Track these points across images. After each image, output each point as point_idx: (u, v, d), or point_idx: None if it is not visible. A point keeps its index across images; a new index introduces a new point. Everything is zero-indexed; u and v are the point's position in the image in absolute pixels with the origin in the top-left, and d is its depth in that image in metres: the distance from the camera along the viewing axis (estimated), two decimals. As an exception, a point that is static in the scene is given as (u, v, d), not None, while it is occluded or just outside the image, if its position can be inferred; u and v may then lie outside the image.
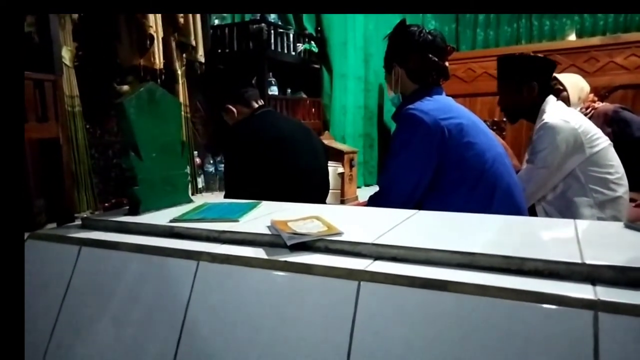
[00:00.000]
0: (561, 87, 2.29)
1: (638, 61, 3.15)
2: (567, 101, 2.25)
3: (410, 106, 1.38)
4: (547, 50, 2.53)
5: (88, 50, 2.00)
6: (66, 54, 1.78)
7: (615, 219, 1.75)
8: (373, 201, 1.47)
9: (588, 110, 2.40)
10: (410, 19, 3.92)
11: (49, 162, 1.40)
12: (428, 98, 1.41)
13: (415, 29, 1.47)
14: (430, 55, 1.43)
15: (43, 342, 0.99)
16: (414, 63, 1.46)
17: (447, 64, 1.48)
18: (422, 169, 1.33)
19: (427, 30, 1.48)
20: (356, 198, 3.09)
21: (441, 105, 1.38)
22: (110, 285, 0.97)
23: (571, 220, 0.97)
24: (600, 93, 3.10)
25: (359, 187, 3.36)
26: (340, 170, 2.88)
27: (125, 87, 2.09)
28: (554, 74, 2.21)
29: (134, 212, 1.16)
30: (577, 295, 0.62)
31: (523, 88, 1.87)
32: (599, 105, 2.46)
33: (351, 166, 3.01)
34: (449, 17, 4.37)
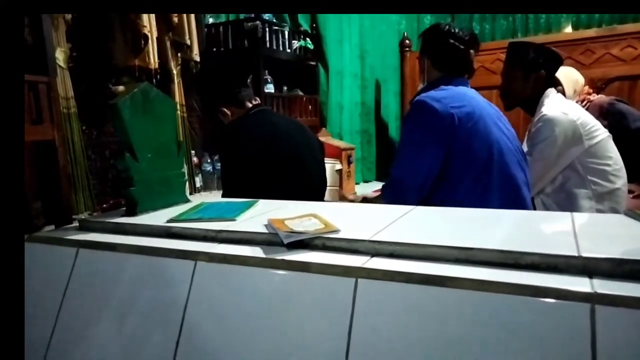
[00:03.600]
0: (556, 81, 2.28)
1: (634, 52, 3.14)
2: (562, 94, 2.24)
3: (423, 94, 1.40)
4: (543, 43, 2.53)
5: (82, 51, 1.99)
6: (60, 56, 1.78)
7: (614, 210, 1.75)
8: (386, 190, 1.47)
9: (583, 103, 2.40)
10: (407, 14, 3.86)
11: (45, 165, 1.39)
12: (444, 87, 1.43)
13: (443, 24, 1.53)
14: (452, 41, 1.47)
15: (42, 345, 0.99)
16: (437, 50, 1.50)
17: (472, 54, 1.50)
18: (433, 155, 1.34)
19: (455, 26, 1.52)
20: (355, 194, 3.09)
21: (454, 94, 1.39)
22: (108, 287, 0.97)
23: (568, 213, 0.97)
24: (597, 85, 3.09)
25: (357, 184, 3.36)
26: (338, 167, 2.87)
27: (121, 88, 2.08)
28: None
29: (131, 213, 1.16)
30: (573, 288, 0.62)
31: (531, 76, 1.86)
32: (594, 97, 2.45)
33: (349, 162, 3.01)
34: (445, 11, 4.36)
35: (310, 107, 3.24)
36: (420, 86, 1.56)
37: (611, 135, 1.83)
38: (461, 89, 1.45)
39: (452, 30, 1.49)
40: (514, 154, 1.40)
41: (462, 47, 1.47)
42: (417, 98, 1.41)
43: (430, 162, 1.34)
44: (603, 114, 2.29)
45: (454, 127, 1.31)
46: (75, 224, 1.21)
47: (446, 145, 1.32)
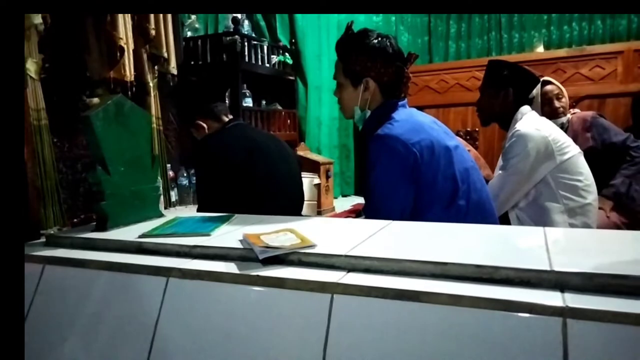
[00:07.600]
0: (558, 95, 2.40)
1: (602, 72, 3.26)
2: (567, 107, 2.40)
3: (380, 132, 1.33)
4: (517, 62, 2.61)
5: (55, 62, 1.95)
6: (31, 67, 1.73)
7: (586, 225, 1.79)
8: None
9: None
10: (383, 30, 3.96)
11: (12, 178, 1.35)
12: (396, 118, 1.37)
13: (379, 37, 1.40)
14: (400, 64, 1.40)
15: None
16: (389, 76, 1.40)
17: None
18: (404, 194, 1.32)
19: (383, 36, 1.41)
20: (333, 209, 3.09)
21: (411, 126, 1.34)
22: (76, 305, 0.93)
23: (540, 228, 0.98)
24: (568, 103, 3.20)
25: (335, 198, 3.36)
26: (317, 181, 2.87)
27: (95, 100, 2.04)
28: (555, 82, 2.39)
29: (102, 228, 1.12)
30: (546, 302, 0.62)
31: (500, 92, 1.92)
32: (575, 111, 2.55)
33: (327, 177, 3.02)
34: (422, 29, 4.45)
35: (289, 121, 3.24)
36: (359, 113, 1.44)
37: (582, 152, 1.88)
38: (411, 116, 1.40)
39: (397, 50, 1.40)
40: (475, 174, 1.40)
41: (406, 69, 1.42)
42: (378, 134, 1.33)
43: (403, 200, 1.32)
44: (587, 127, 2.37)
45: (418, 164, 1.29)
46: (42, 239, 1.17)
47: (414, 182, 1.30)
